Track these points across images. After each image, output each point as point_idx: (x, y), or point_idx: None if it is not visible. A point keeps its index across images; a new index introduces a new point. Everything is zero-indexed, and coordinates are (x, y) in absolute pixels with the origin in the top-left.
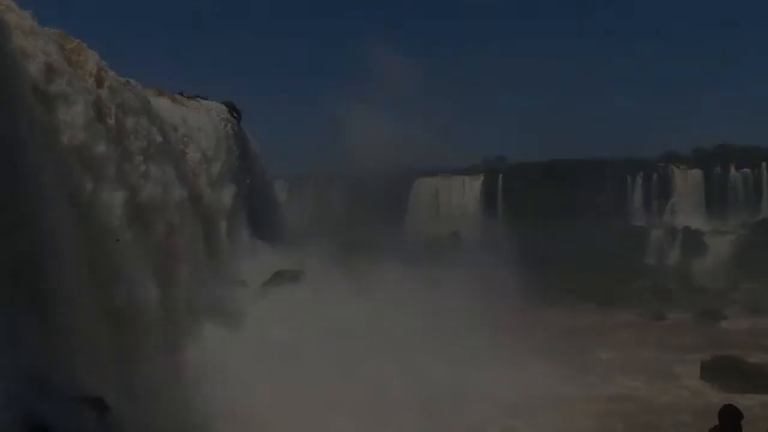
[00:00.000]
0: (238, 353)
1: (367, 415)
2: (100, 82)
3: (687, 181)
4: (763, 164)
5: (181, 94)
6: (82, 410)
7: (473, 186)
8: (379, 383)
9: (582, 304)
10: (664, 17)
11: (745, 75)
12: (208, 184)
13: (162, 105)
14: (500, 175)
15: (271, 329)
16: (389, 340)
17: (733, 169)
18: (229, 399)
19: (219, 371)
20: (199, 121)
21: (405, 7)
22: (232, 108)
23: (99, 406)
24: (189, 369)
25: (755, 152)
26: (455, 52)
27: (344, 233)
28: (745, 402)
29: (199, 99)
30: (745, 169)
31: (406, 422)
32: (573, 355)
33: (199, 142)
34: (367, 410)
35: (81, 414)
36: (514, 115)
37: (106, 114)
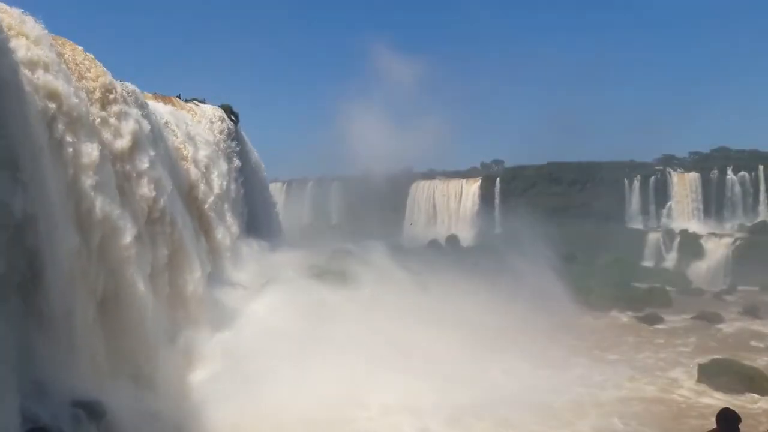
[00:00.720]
0: None
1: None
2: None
3: (684, 184)
4: (760, 167)
5: (178, 97)
6: (80, 413)
7: (471, 189)
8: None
9: (579, 307)
10: (662, 21)
11: (742, 78)
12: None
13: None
14: (498, 179)
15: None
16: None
17: (730, 172)
18: None
19: None
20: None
21: (402, 12)
22: (229, 111)
23: (96, 410)
24: None
25: (752, 155)
26: (453, 57)
27: (344, 236)
28: (742, 404)
29: (196, 102)
30: (742, 172)
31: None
32: (568, 358)
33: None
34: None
35: (78, 417)
36: (511, 119)
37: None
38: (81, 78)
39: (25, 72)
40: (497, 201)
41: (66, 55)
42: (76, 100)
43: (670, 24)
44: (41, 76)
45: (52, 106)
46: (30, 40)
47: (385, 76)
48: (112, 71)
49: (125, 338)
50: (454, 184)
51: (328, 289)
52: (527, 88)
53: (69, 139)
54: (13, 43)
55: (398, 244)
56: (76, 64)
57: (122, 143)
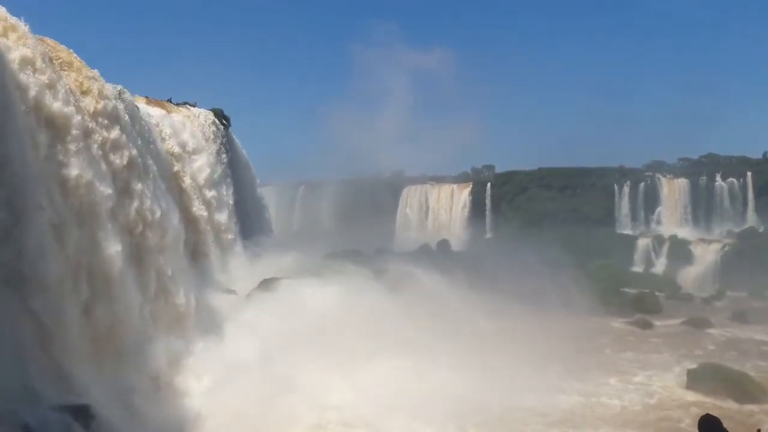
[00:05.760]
0: None
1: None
2: None
3: (673, 190)
4: (749, 174)
5: (169, 100)
6: (69, 418)
7: (462, 194)
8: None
9: (569, 312)
10: (653, 29)
11: (732, 86)
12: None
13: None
14: (488, 184)
15: None
16: None
17: (719, 179)
18: None
19: None
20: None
21: (396, 15)
22: (220, 115)
23: (85, 415)
24: None
25: (741, 161)
26: (444, 62)
27: (335, 240)
28: (730, 409)
29: (188, 106)
30: (731, 179)
31: None
32: (558, 364)
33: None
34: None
35: (67, 422)
36: (503, 125)
37: None
38: None
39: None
40: (488, 206)
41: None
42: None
43: (661, 33)
44: None
45: None
46: None
47: (376, 81)
48: (103, 74)
49: (115, 341)
50: (446, 189)
51: None
52: (518, 94)
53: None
54: None
55: (389, 249)
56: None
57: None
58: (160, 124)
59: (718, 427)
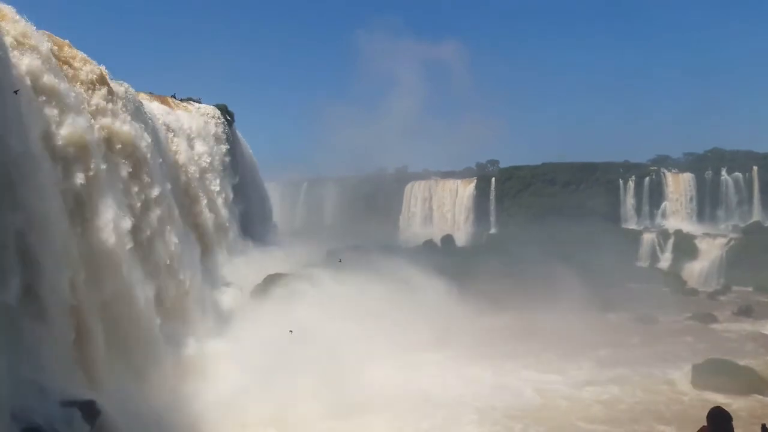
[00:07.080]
0: None
1: None
2: None
3: (679, 184)
4: (754, 168)
5: (173, 96)
6: (74, 413)
7: (466, 189)
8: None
9: (574, 307)
10: (660, 21)
11: (737, 80)
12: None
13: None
14: (493, 179)
15: None
16: None
17: (724, 173)
18: None
19: None
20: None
21: (399, 8)
22: (224, 111)
23: (90, 410)
24: None
25: (747, 156)
26: (448, 58)
27: (338, 236)
28: (736, 404)
29: (191, 101)
30: (736, 173)
31: None
32: (563, 359)
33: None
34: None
35: (72, 417)
36: (507, 120)
37: None
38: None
39: None
40: (492, 201)
41: None
42: None
43: (666, 27)
44: None
45: None
46: None
47: (381, 76)
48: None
49: (122, 336)
50: (450, 185)
51: None
52: (523, 89)
53: None
54: None
55: (393, 244)
56: None
57: None
58: (163, 119)
59: (725, 421)
